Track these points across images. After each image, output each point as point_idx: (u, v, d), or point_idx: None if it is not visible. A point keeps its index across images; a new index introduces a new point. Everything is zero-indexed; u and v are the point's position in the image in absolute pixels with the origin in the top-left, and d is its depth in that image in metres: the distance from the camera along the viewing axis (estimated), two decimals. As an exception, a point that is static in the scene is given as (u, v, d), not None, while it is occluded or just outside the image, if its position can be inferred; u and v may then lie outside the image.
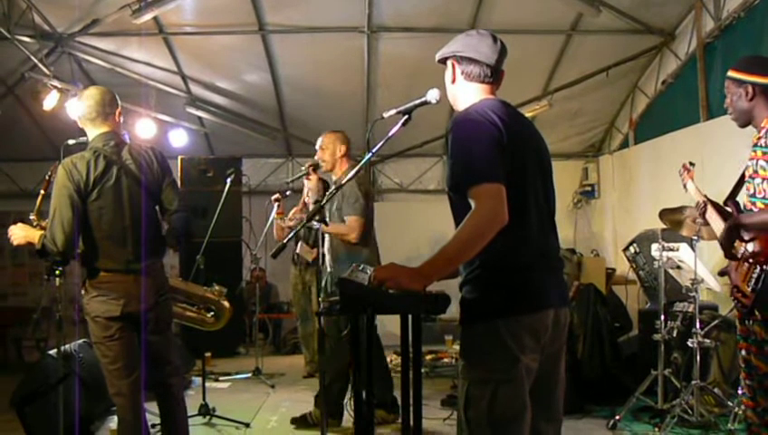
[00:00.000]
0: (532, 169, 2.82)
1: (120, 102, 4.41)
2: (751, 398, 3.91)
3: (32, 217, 4.34)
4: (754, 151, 3.85)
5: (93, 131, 4.30)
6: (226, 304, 5.42)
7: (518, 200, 2.69)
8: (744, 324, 3.89)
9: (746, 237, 3.77)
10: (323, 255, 5.83)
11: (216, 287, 5.54)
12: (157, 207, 4.44)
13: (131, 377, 4.16)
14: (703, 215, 4.38)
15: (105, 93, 4.35)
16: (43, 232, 4.10)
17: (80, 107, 4.32)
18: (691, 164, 4.93)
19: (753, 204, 3.80)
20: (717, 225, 4.21)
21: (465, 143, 2.71)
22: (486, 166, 2.63)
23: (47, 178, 4.48)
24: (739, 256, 3.83)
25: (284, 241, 4.20)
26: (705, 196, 4.43)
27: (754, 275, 3.71)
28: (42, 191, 4.47)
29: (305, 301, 8.27)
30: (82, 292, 4.22)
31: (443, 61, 3.10)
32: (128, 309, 4.12)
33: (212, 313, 5.48)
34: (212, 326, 5.49)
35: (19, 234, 4.24)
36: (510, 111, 2.86)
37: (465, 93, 2.99)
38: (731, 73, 3.90)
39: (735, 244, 3.83)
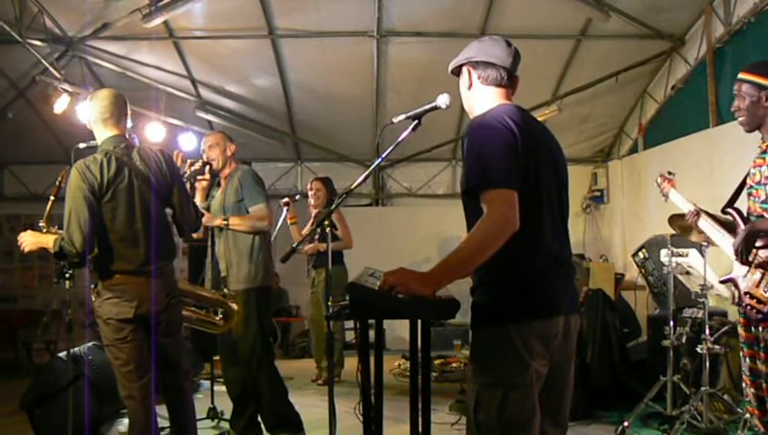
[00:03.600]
0: (546, 175, 2.82)
1: (129, 106, 4.44)
2: (757, 406, 3.89)
3: (41, 223, 4.33)
4: (762, 159, 3.83)
5: (104, 133, 4.31)
6: (235, 306, 5.43)
7: (532, 206, 2.70)
8: (749, 331, 3.86)
9: (759, 244, 3.75)
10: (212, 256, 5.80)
11: (225, 290, 5.56)
12: (167, 210, 4.47)
13: (143, 380, 4.17)
14: (696, 223, 4.36)
15: (118, 96, 4.37)
16: (55, 236, 4.11)
17: (93, 108, 4.33)
18: (670, 173, 4.91)
19: (766, 210, 3.78)
20: (715, 233, 4.20)
21: (481, 148, 2.71)
22: (500, 171, 2.63)
23: (57, 183, 4.49)
24: (752, 262, 3.80)
25: (294, 246, 4.21)
26: (695, 204, 4.42)
27: None
28: (52, 197, 4.48)
29: (314, 304, 8.31)
30: (93, 295, 4.22)
31: (456, 71, 3.10)
32: (140, 311, 4.13)
33: (221, 315, 5.50)
34: (221, 329, 5.50)
35: (29, 240, 4.23)
36: (526, 117, 2.86)
37: (483, 98, 2.99)
38: (746, 76, 3.84)
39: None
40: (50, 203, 4.44)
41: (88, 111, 4.39)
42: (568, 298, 2.83)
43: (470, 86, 3.03)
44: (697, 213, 4.35)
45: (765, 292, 3.70)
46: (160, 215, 4.37)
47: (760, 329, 3.77)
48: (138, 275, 4.17)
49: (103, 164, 4.12)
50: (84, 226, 4.00)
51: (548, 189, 2.82)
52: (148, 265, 4.20)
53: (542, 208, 2.77)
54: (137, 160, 4.28)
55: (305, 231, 7.91)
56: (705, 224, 4.29)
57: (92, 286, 4.25)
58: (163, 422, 4.72)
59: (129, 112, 4.42)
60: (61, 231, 4.12)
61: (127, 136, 4.39)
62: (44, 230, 4.28)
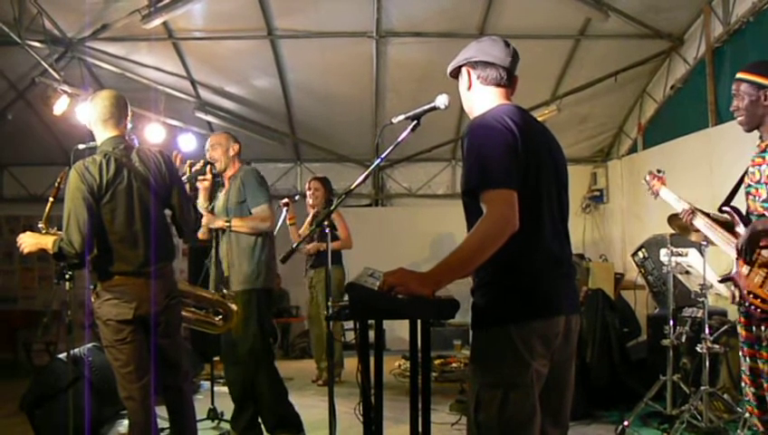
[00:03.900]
0: (546, 175, 2.83)
1: (130, 108, 4.44)
2: (757, 405, 3.89)
3: (40, 224, 4.33)
4: (762, 157, 3.82)
5: (104, 134, 4.31)
6: (234, 306, 5.44)
7: (532, 206, 2.70)
8: (749, 331, 3.85)
9: (763, 243, 3.75)
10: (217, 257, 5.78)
11: (225, 291, 5.56)
12: (166, 211, 4.47)
13: (143, 381, 4.17)
14: (691, 222, 4.35)
15: (119, 97, 4.38)
16: (54, 237, 4.11)
17: (93, 109, 4.33)
18: (659, 171, 4.90)
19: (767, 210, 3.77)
20: (711, 232, 4.18)
21: (480, 148, 2.71)
22: (500, 171, 2.63)
23: (57, 184, 4.50)
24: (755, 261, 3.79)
25: (294, 246, 4.21)
26: (689, 203, 4.41)
27: None
28: (51, 198, 4.48)
29: (312, 303, 8.33)
30: (93, 297, 4.23)
31: (455, 73, 3.10)
32: (139, 312, 4.13)
33: (220, 316, 5.50)
34: (220, 329, 5.51)
35: (29, 241, 4.23)
36: (526, 117, 2.86)
37: (482, 98, 3.00)
38: (745, 76, 3.82)
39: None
40: (49, 204, 4.45)
41: (88, 112, 4.39)
42: (568, 298, 2.84)
43: (469, 86, 3.03)
44: (692, 212, 4.35)
45: None
46: (159, 216, 4.37)
47: (762, 328, 3.76)
48: (137, 277, 4.17)
49: (102, 165, 4.13)
50: (83, 227, 4.01)
51: (548, 189, 2.82)
52: (148, 266, 4.20)
53: (542, 208, 2.78)
54: (136, 162, 4.28)
55: (302, 231, 7.95)
56: (701, 223, 4.29)
57: (92, 287, 4.26)
58: (163, 423, 4.73)
59: (129, 114, 4.43)
60: (60, 232, 4.13)
61: (126, 137, 4.39)
62: (43, 231, 4.28)
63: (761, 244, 3.74)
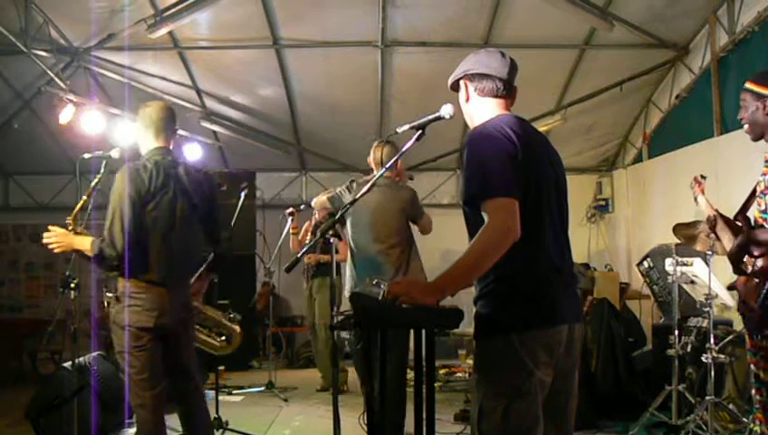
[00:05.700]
0: (546, 184, 2.83)
1: (177, 126, 4.49)
2: (764, 413, 3.88)
3: (68, 220, 4.29)
4: (767, 167, 3.84)
5: (150, 142, 4.34)
6: (237, 328, 5.45)
7: (532, 215, 2.70)
8: (754, 339, 3.86)
9: (756, 253, 3.76)
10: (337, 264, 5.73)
11: (231, 314, 5.57)
12: (201, 228, 4.49)
13: (156, 389, 4.17)
14: (713, 229, 4.38)
15: (173, 111, 4.43)
16: (91, 238, 4.10)
17: (149, 117, 4.36)
18: (702, 177, 4.95)
19: (765, 220, 3.79)
20: (727, 239, 4.21)
21: (480, 158, 2.72)
22: (500, 180, 2.64)
23: (92, 186, 4.47)
24: (748, 271, 3.80)
25: (298, 255, 4.21)
26: (716, 210, 4.42)
27: (763, 291, 3.70)
28: (84, 197, 4.43)
29: (311, 313, 8.35)
30: (111, 301, 4.21)
31: (455, 86, 3.11)
32: (160, 321, 4.13)
33: (223, 337, 5.51)
34: (221, 350, 5.50)
35: (63, 241, 4.19)
36: (525, 127, 2.86)
37: (481, 110, 3.00)
38: (749, 86, 3.85)
39: (745, 259, 3.82)
40: (81, 203, 4.40)
41: (141, 119, 4.40)
42: (571, 307, 2.84)
43: (467, 99, 3.04)
44: (716, 219, 4.36)
45: (757, 301, 3.71)
46: (195, 231, 4.39)
47: (758, 337, 3.78)
48: (161, 286, 4.17)
49: (152, 173, 4.16)
50: (127, 228, 4.00)
51: (548, 199, 2.83)
52: (173, 277, 4.21)
53: (543, 218, 2.78)
54: (182, 176, 4.31)
55: (302, 237, 8.00)
56: (720, 230, 4.31)
57: (109, 294, 4.24)
58: (170, 433, 4.72)
59: (176, 129, 4.48)
60: (86, 231, 4.13)
61: (172, 151, 4.41)
62: (70, 228, 4.25)
63: (755, 253, 3.76)
